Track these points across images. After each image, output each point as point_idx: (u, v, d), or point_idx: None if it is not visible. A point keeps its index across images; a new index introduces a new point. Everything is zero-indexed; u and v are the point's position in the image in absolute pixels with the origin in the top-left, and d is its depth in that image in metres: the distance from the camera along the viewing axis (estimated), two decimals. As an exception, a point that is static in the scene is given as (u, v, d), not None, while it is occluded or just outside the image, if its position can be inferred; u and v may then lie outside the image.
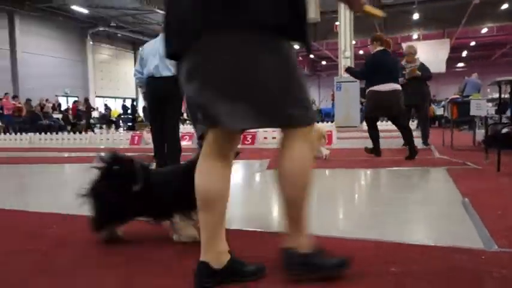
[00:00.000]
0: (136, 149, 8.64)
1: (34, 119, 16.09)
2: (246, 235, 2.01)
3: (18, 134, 12.26)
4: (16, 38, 20.94)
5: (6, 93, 16.78)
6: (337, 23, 17.00)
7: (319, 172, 4.39)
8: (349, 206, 2.74)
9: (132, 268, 1.57)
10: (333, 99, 18.65)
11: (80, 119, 18.39)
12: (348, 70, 6.09)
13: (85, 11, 22.03)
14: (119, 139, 10.47)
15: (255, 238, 1.96)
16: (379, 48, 5.36)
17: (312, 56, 40.66)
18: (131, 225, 2.20)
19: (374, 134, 5.57)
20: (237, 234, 2.01)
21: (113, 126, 20.38)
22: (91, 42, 25.64)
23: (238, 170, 4.93)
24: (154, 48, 4.51)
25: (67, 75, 24.00)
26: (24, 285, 1.43)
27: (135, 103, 22.71)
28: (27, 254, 1.75)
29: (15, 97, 17.11)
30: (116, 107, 24.77)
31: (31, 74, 21.40)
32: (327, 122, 16.98)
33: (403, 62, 6.85)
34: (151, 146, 4.88)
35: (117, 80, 28.27)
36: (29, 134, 11.94)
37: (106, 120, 20.78)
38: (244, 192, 3.47)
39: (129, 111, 21.54)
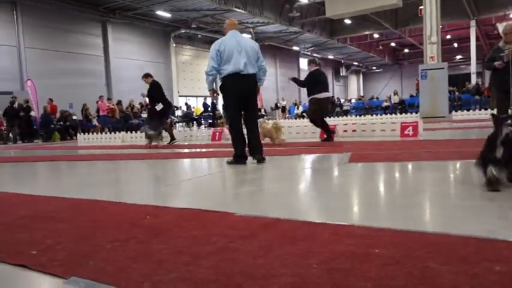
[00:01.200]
0: (218, 144, 8.91)
1: (126, 118, 17.39)
2: (325, 228, 1.94)
3: (112, 133, 13.32)
4: (109, 45, 22.77)
5: (101, 96, 18.35)
6: (421, 7, 15.96)
7: (414, 165, 4.14)
8: (446, 201, 2.53)
9: (223, 255, 1.58)
10: (417, 89, 17.59)
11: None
12: (294, 80, 8.44)
13: (168, 15, 23.26)
14: (201, 135, 10.88)
15: (339, 231, 1.88)
16: (314, 68, 7.60)
17: (392, 44, 38.69)
18: (225, 220, 2.24)
19: (324, 126, 7.65)
20: (323, 227, 1.95)
21: (195, 123, 21.29)
22: (174, 45, 26.99)
23: (318, 164, 4.84)
24: (238, 46, 4.55)
25: (153, 76, 25.52)
26: (124, 270, 1.51)
27: (214, 101, 23.45)
28: (127, 242, 1.86)
29: (109, 99, 18.64)
30: (197, 105, 25.87)
31: (122, 77, 23.14)
32: (411, 113, 16.08)
33: (500, 44, 6.18)
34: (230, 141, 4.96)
35: (197, 80, 29.46)
36: (121, 132, 12.91)
37: (189, 118, 21.76)
38: (325, 186, 3.38)
39: (209, 108, 22.34)
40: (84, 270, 1.54)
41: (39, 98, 17.46)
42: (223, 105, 5.01)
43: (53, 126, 16.49)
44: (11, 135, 15.87)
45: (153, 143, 9.00)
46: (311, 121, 7.84)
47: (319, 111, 7.53)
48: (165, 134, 9.43)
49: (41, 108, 17.02)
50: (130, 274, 1.48)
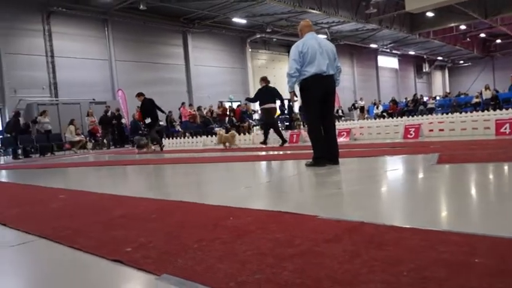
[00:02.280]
0: (295, 147, 8.88)
1: (206, 123, 18.10)
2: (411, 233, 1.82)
3: (194, 137, 13.94)
4: (189, 54, 23.92)
5: (183, 103, 19.33)
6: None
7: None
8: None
9: (307, 259, 1.56)
10: (513, 82, 16.05)
11: (243, 121, 19.93)
12: (247, 99, 11.43)
13: (244, 21, 23.83)
14: (278, 138, 10.92)
15: (428, 236, 1.75)
16: (263, 84, 9.70)
17: (482, 35, 35.67)
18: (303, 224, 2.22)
19: (267, 131, 9.81)
20: (408, 232, 1.83)
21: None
22: (250, 50, 27.56)
23: (402, 165, 4.60)
24: (320, 47, 4.53)
25: (230, 82, 26.32)
26: (211, 270, 1.56)
27: (291, 103, 23.50)
28: (212, 242, 1.92)
29: (190, 105, 19.55)
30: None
31: (202, 83, 24.17)
32: (506, 109, 14.66)
33: None
34: (309, 143, 4.92)
35: (273, 83, 29.69)
36: (202, 137, 13.46)
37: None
38: (411, 189, 3.20)
39: (285, 111, 22.41)
40: (174, 268, 1.61)
41: (129, 106, 18.87)
42: (302, 107, 4.97)
43: (140, 132, 17.69)
44: (105, 141, 17.31)
45: (144, 150, 11.15)
46: (263, 128, 10.20)
47: (271, 117, 9.72)
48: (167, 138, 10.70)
49: (130, 115, 18.39)
50: (216, 274, 1.52)
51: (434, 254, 1.53)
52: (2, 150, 15.60)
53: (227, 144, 10.00)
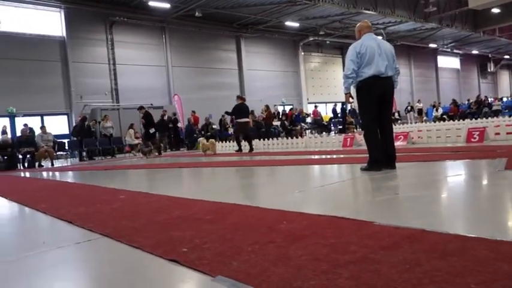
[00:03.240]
0: (349, 151, 8.69)
1: (258, 127, 18.22)
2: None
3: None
4: (242, 58, 24.27)
5: (236, 107, 19.61)
6: None
7: None
8: None
9: (363, 266, 1.51)
10: None
11: (295, 125, 19.84)
12: (226, 113, 12.81)
13: (296, 24, 23.79)
14: (332, 142, 10.76)
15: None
16: (240, 101, 11.31)
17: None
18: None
19: (240, 142, 11.57)
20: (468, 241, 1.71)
21: (324, 130, 21.21)
22: (302, 53, 27.43)
23: (465, 170, 4.34)
24: (379, 48, 4.42)
25: (283, 86, 26.34)
26: (265, 273, 1.55)
27: (344, 106, 23.06)
28: (266, 246, 1.92)
29: (243, 109, 19.77)
30: (327, 112, 25.77)
31: (254, 87, 24.41)
32: None
33: None
34: (363, 147, 4.79)
35: (326, 86, 29.36)
36: (255, 140, 13.54)
37: (318, 124, 21.79)
38: (476, 196, 3.00)
39: (339, 114, 22.03)
40: (229, 270, 1.62)
41: (184, 111, 19.47)
42: (358, 110, 4.82)
43: (195, 135, 18.16)
44: (162, 144, 17.96)
45: (148, 156, 12.52)
46: (235, 138, 12.12)
47: (240, 131, 11.62)
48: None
49: (185, 119, 18.96)
50: (270, 277, 1.51)
51: (506, 267, 1.41)
52: (69, 152, 16.67)
53: (208, 151, 11.58)
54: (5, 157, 12.73)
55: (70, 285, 1.80)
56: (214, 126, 19.27)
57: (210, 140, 12.33)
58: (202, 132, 18.65)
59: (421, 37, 29.87)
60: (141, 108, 13.49)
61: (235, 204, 3.09)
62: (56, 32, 18.30)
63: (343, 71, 4.61)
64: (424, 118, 24.70)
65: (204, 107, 20.56)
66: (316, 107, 23.50)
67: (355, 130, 18.29)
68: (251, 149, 11.18)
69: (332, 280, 1.43)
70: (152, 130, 13.22)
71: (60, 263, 2.13)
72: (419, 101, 26.75)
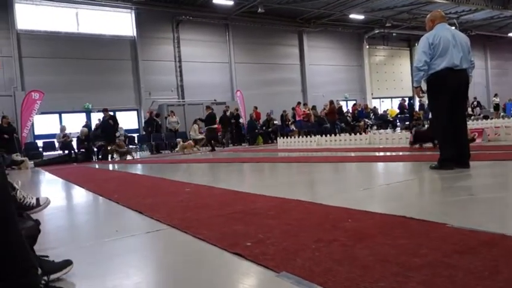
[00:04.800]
0: (417, 148, 8.29)
1: (320, 123, 17.99)
2: None
3: (308, 136, 13.96)
4: (304, 53, 24.06)
5: (298, 103, 19.53)
6: None
7: None
8: None
9: (436, 270, 1.43)
10: None
11: (358, 120, 19.32)
12: (199, 119, 15.87)
13: (361, 17, 23.08)
14: (398, 138, 10.33)
15: None
16: (210, 111, 14.77)
17: None
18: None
19: (212, 143, 14.69)
20: None
21: (390, 126, 20.43)
22: (367, 46, 26.59)
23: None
24: (454, 39, 4.16)
25: (346, 80, 25.74)
26: (330, 272, 1.52)
27: (411, 101, 22.03)
28: (330, 244, 1.88)
29: (305, 105, 19.63)
30: (392, 107, 24.77)
31: (316, 83, 24.10)
32: None
33: None
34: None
35: (392, 80, 28.23)
36: (317, 136, 13.39)
37: (383, 120, 21.03)
38: None
39: (405, 110, 21.07)
40: (293, 267, 1.60)
41: (246, 106, 19.73)
42: (428, 105, 4.53)
43: (257, 131, 18.34)
44: (224, 139, 18.36)
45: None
46: (207, 140, 14.91)
47: (211, 135, 14.66)
48: None
49: (247, 115, 19.21)
50: (336, 276, 1.47)
51: None
52: (138, 146, 17.62)
53: (185, 150, 13.59)
54: (83, 150, 13.73)
55: (140, 272, 1.89)
56: (275, 122, 19.33)
57: (188, 141, 14.63)
58: (264, 128, 18.78)
59: (499, 26, 27.64)
60: (105, 110, 13.85)
61: (297, 200, 3.07)
62: (127, 32, 19.35)
63: (414, 63, 4.36)
64: (501, 113, 22.87)
65: (265, 102, 20.69)
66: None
67: (424, 126, 17.35)
68: (213, 149, 14.23)
69: (402, 283, 1.36)
70: (118, 134, 14.50)
71: (132, 250, 2.25)
72: (496, 95, 24.80)
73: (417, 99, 21.40)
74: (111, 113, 14.60)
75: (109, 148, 13.64)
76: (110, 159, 13.56)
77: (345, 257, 1.68)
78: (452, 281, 1.36)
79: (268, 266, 1.65)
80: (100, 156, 14.01)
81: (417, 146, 7.66)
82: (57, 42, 17.62)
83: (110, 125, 13.62)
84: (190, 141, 14.73)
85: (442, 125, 4.26)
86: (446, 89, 4.12)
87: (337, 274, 1.49)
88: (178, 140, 14.73)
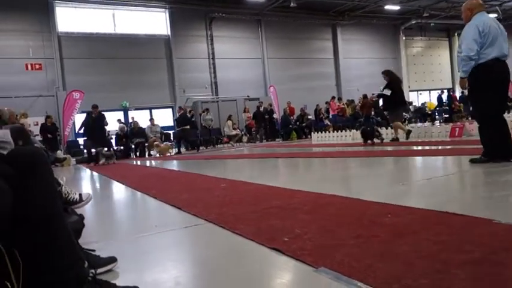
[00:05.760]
0: (457, 141, 8.00)
1: (355, 117, 17.68)
2: None
3: (343, 131, 13.75)
4: (338, 47, 23.68)
5: (333, 97, 19.27)
6: None
7: None
8: None
9: (483, 268, 1.37)
10: None
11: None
12: (175, 120, 15.70)
13: (397, 7, 22.43)
14: (437, 132, 9.99)
15: None
16: (181, 112, 14.82)
17: None
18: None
19: (180, 145, 14.60)
20: None
21: (428, 119, 19.81)
22: (403, 38, 25.84)
23: None
24: (499, 28, 3.99)
25: (381, 73, 25.10)
26: (370, 268, 1.49)
27: (451, 93, 21.24)
28: (369, 240, 1.85)
29: (339, 99, 19.34)
30: (431, 99, 24.00)
31: (351, 76, 23.69)
32: None
33: None
34: (475, 138, 4.34)
35: (430, 72, 27.32)
36: (352, 131, 13.17)
37: (421, 113, 20.42)
38: None
39: (444, 102, 20.35)
40: (332, 262, 1.58)
41: (280, 102, 19.67)
42: (472, 96, 4.29)
43: (291, 126, 18.25)
44: (258, 135, 18.41)
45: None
46: (177, 141, 14.88)
47: (182, 134, 14.34)
48: None
49: (281, 110, 19.15)
50: (376, 272, 1.44)
51: None
52: (174, 142, 17.97)
53: (161, 152, 13.31)
54: (122, 147, 14.15)
55: (179, 265, 1.92)
56: (309, 117, 19.16)
57: (165, 143, 14.78)
58: (298, 123, 18.65)
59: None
60: (95, 107, 11.74)
61: (334, 195, 3.03)
62: (161, 31, 19.73)
63: (463, 52, 4.01)
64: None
65: (299, 97, 20.53)
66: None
67: (466, 119, 16.68)
68: (193, 148, 15.06)
69: (446, 280, 1.31)
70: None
71: (170, 245, 2.29)
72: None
73: (459, 91, 20.57)
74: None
75: (146, 145, 13.98)
76: (147, 156, 13.91)
77: (385, 253, 1.64)
78: (500, 279, 1.30)
79: (307, 261, 1.64)
80: (138, 153, 14.39)
81: (369, 142, 8.83)
82: (95, 43, 18.21)
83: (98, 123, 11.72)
84: (168, 143, 15.08)
85: (488, 116, 4.06)
86: (494, 80, 3.92)
87: (378, 270, 1.46)
88: (156, 143, 13.86)
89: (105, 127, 12.31)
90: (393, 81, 9.41)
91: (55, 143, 13.56)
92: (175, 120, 15.26)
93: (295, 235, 2.03)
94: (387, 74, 9.64)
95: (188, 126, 14.48)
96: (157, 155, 13.30)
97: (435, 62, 27.47)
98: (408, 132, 9.26)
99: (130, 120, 16.63)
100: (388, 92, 9.16)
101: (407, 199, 2.84)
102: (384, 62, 25.28)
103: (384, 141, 9.18)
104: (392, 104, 9.23)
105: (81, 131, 12.33)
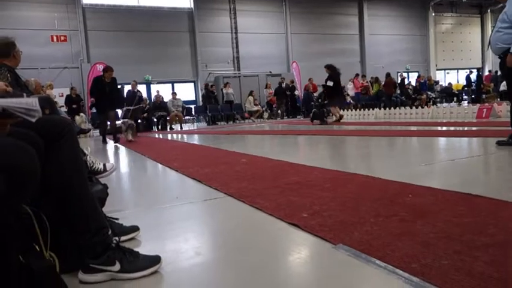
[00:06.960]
0: (484, 123, 7.78)
1: (380, 95, 17.34)
2: None
3: (366, 110, 13.53)
4: (364, 23, 23.05)
5: (356, 74, 18.88)
6: None
7: None
8: None
9: (506, 251, 1.35)
10: None
11: (420, 93, 18.37)
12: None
13: (427, -18, 21.56)
14: (464, 112, 9.73)
15: None
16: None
17: None
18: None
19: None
20: None
21: (454, 99, 19.28)
22: (433, 14, 24.93)
23: None
24: None
25: (408, 51, 24.42)
26: (389, 247, 1.49)
27: (480, 73, 20.53)
28: (389, 219, 1.84)
29: (363, 76, 18.95)
30: (458, 80, 23.30)
31: (376, 53, 23.10)
32: None
33: None
34: (503, 119, 4.20)
35: (460, 50, 26.39)
36: (375, 109, 12.95)
37: (447, 93, 19.86)
38: None
39: (473, 82, 19.71)
40: (350, 240, 1.59)
41: (302, 78, 19.43)
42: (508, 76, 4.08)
43: (312, 103, 18.05)
44: (279, 111, 18.31)
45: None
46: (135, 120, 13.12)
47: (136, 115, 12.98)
48: None
49: (303, 87, 18.92)
50: (395, 251, 1.44)
51: None
52: (195, 117, 18.08)
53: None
54: (144, 120, 14.34)
55: (200, 236, 1.96)
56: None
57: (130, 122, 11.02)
58: (319, 100, 18.41)
59: None
60: (108, 70, 8.68)
61: (354, 174, 3.01)
62: (184, 4, 19.58)
63: (505, 20, 3.73)
64: None
65: (322, 74, 20.14)
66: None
67: (496, 99, 16.10)
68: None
69: (467, 262, 1.30)
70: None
71: (191, 216, 2.34)
72: None
73: (489, 70, 19.82)
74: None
75: (168, 118, 14.10)
76: (169, 130, 14.07)
77: (404, 232, 1.63)
78: (524, 262, 1.28)
79: (325, 237, 1.65)
80: (159, 127, 14.57)
81: (318, 122, 10.72)
82: (119, 15, 18.25)
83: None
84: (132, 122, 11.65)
85: None
86: None
87: (396, 249, 1.46)
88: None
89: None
90: (334, 74, 11.03)
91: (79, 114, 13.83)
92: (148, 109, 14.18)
93: (314, 211, 2.04)
94: (329, 68, 11.23)
95: (138, 106, 12.80)
96: (178, 129, 13.40)
97: (465, 40, 26.49)
98: (340, 117, 11.10)
99: (154, 93, 16.70)
100: (330, 83, 10.95)
101: (429, 180, 2.79)
102: (411, 39, 24.56)
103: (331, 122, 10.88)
104: (332, 93, 11.07)
105: (92, 99, 11.23)
